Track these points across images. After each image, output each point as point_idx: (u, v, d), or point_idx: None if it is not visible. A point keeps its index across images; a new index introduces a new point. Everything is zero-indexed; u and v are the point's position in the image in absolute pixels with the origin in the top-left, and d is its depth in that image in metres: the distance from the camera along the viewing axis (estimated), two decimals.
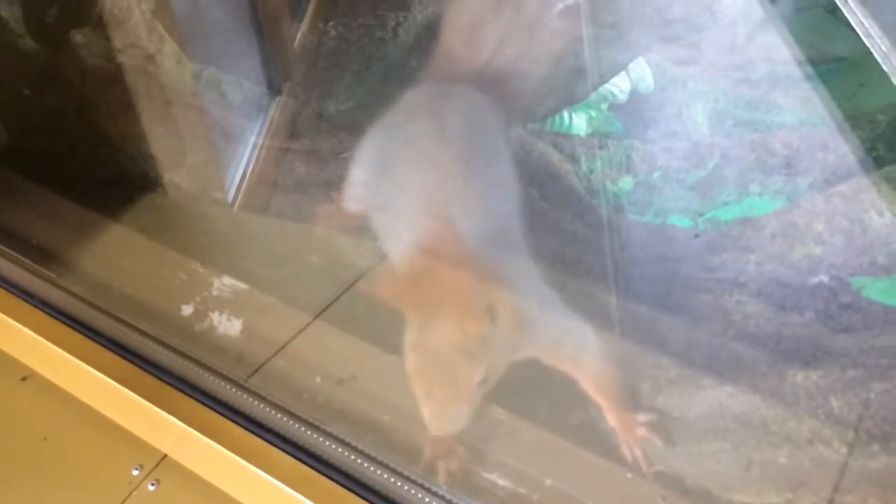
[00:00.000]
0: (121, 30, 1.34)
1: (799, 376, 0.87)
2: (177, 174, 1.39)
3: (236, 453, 0.95)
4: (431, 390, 0.86)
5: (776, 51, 1.46)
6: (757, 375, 0.91)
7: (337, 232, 1.26)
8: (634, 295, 1.12)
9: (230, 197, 1.38)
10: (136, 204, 1.32)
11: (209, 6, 1.44)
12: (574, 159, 1.33)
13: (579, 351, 0.96)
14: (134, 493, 1.00)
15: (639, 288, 1.12)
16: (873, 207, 1.06)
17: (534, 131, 1.35)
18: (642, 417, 0.92)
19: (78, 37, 1.34)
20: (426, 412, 0.86)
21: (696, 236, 1.22)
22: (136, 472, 1.01)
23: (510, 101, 1.19)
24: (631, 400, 0.95)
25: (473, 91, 1.14)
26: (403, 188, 1.07)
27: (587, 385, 0.95)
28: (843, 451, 0.82)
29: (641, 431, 0.91)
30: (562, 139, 1.35)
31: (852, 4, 1.02)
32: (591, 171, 1.32)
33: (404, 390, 1.00)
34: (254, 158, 1.43)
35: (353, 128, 1.41)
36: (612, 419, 0.93)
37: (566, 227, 1.24)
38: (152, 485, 1.00)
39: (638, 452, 0.90)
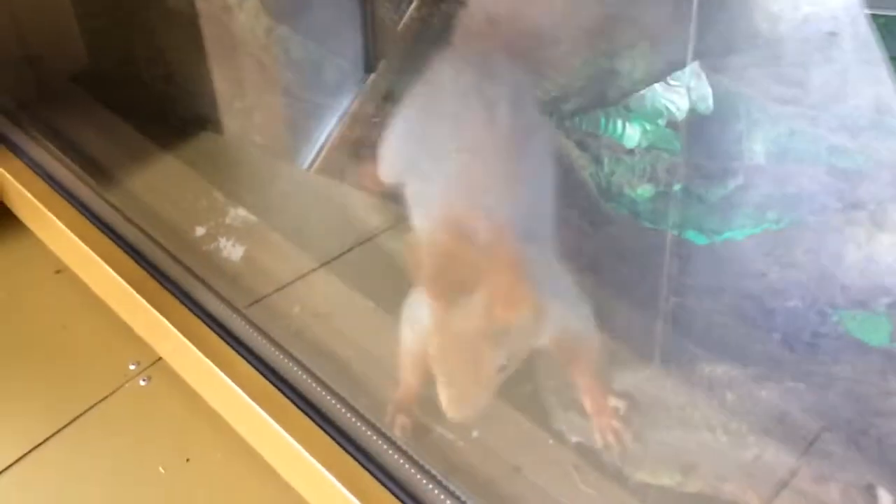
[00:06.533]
0: None
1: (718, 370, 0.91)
2: (234, 121, 1.49)
3: (223, 371, 1.02)
4: (453, 374, 0.84)
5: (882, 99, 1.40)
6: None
7: (372, 193, 1.32)
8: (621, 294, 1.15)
9: (305, 159, 1.45)
10: (189, 140, 1.43)
11: None
12: (598, 160, 1.36)
13: (568, 329, 0.94)
14: (126, 384, 1.10)
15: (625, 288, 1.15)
16: None
17: (561, 127, 1.38)
18: (614, 402, 0.93)
19: None
20: (444, 395, 0.84)
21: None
22: (132, 367, 1.12)
23: (542, 71, 1.19)
24: (606, 381, 0.95)
25: (511, 63, 1.11)
26: (446, 171, 1.05)
27: (566, 360, 0.95)
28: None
29: (614, 422, 0.91)
30: (589, 139, 1.38)
31: None
32: (613, 174, 1.35)
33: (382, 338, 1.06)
34: (333, 126, 1.49)
35: None
36: (587, 401, 0.93)
37: (573, 225, 1.27)
38: (144, 381, 1.11)
39: (610, 438, 0.90)
